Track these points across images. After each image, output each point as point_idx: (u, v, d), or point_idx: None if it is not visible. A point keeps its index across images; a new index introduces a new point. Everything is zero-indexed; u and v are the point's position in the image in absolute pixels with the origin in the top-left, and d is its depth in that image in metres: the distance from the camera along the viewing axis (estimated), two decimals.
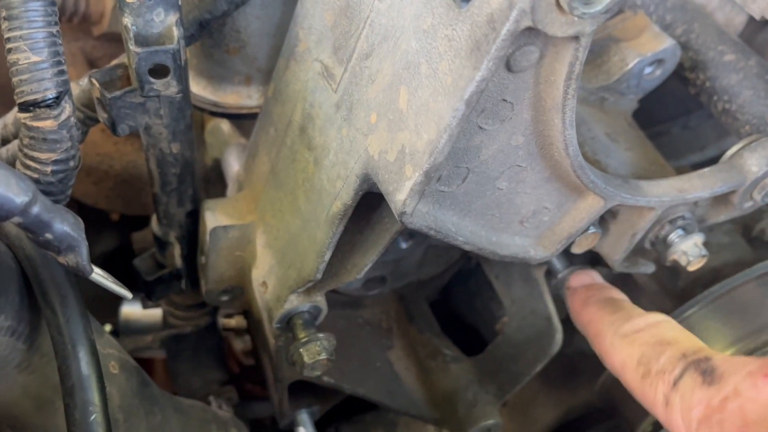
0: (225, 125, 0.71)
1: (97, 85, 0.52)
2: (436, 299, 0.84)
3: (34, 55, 0.43)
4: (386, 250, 0.56)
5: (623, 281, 0.82)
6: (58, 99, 0.45)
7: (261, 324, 0.62)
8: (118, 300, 0.85)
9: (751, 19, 0.67)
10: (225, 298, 0.65)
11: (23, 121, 0.46)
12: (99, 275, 0.42)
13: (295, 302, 0.57)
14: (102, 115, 0.53)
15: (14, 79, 0.44)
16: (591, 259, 0.68)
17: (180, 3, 0.49)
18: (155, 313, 0.78)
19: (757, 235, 0.77)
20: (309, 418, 0.72)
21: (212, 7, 0.53)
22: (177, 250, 0.65)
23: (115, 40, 0.77)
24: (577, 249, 0.56)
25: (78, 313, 0.45)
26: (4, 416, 0.51)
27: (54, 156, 0.48)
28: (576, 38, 0.35)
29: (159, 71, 0.50)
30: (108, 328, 0.84)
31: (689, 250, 0.57)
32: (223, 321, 0.83)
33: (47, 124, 0.46)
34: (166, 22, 0.49)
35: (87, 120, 0.57)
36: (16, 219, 0.35)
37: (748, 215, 0.62)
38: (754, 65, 0.63)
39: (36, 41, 0.43)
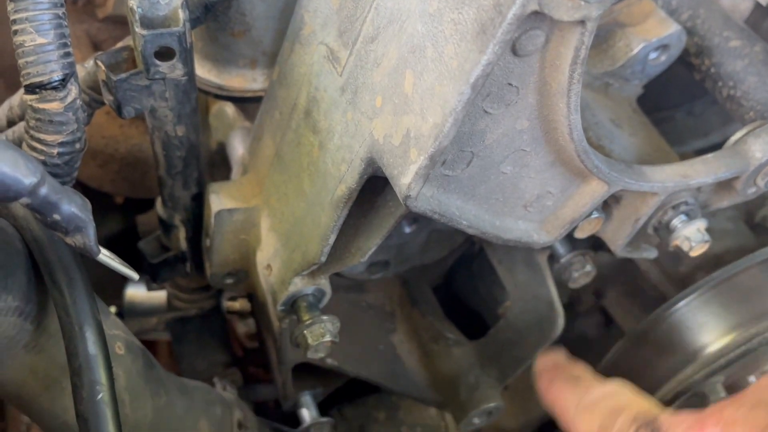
0: (229, 109, 0.71)
1: (103, 67, 0.52)
2: (439, 284, 0.85)
3: (40, 37, 0.43)
4: (390, 234, 0.56)
5: (625, 267, 0.82)
6: (64, 81, 0.46)
7: (265, 307, 0.63)
8: (123, 283, 0.85)
9: (757, 5, 0.66)
10: (229, 281, 0.66)
11: (29, 103, 0.46)
12: (106, 256, 0.43)
13: (299, 285, 0.57)
14: (107, 98, 0.53)
15: (20, 61, 0.44)
16: (593, 244, 0.69)
17: None
18: (160, 296, 0.78)
19: (760, 222, 0.77)
20: (312, 400, 0.73)
21: None
22: (182, 233, 0.66)
23: (119, 23, 0.77)
24: (581, 234, 0.57)
25: (85, 294, 0.45)
26: (12, 396, 0.51)
27: (60, 138, 0.49)
28: (582, 23, 0.35)
29: (164, 54, 0.50)
30: (113, 310, 0.84)
31: (692, 236, 0.57)
32: (227, 304, 0.84)
33: (53, 106, 0.46)
34: (171, 4, 0.49)
35: (92, 103, 0.57)
36: (25, 200, 0.35)
37: (751, 201, 0.62)
38: (760, 51, 0.63)
39: (42, 23, 0.43)
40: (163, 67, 0.50)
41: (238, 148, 0.67)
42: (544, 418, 0.85)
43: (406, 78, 0.41)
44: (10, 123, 0.58)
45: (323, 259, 0.54)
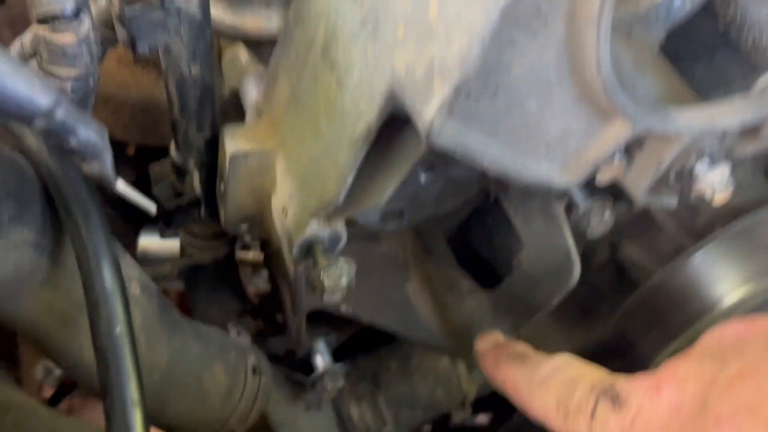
0: (243, 54, 0.70)
1: (116, 0, 0.50)
2: (452, 235, 0.84)
3: None
4: (405, 182, 0.56)
5: (641, 220, 0.82)
6: (77, 11, 0.45)
7: (280, 252, 0.62)
8: (135, 235, 0.85)
9: None
10: (244, 227, 0.65)
11: (42, 34, 0.45)
12: (123, 186, 0.42)
13: (315, 228, 0.57)
14: (121, 33, 0.52)
15: None
16: (612, 193, 0.68)
17: None
18: (173, 244, 0.78)
19: None
20: (326, 348, 0.73)
21: None
22: (196, 178, 0.65)
23: None
24: (601, 178, 0.56)
25: (101, 229, 0.45)
26: (28, 333, 0.52)
27: (73, 72, 0.48)
28: None
29: None
30: None
31: (715, 182, 0.56)
32: (239, 254, 0.83)
33: (66, 37, 0.45)
34: None
35: (104, 40, 0.56)
36: (41, 122, 0.34)
37: None
38: None
39: None
40: None
41: (252, 93, 0.66)
42: None
43: (430, 4, 0.39)
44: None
45: (340, 200, 0.53)
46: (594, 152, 0.52)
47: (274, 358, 0.86)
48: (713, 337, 0.43)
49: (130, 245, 0.82)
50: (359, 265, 0.67)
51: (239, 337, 0.68)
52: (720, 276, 0.68)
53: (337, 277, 0.56)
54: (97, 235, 0.45)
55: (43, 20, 0.44)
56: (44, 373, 1.79)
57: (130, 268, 0.54)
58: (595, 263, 0.86)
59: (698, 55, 0.90)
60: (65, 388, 1.07)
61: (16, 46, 0.59)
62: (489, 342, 0.62)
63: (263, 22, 0.60)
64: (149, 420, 0.44)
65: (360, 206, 0.56)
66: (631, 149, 0.56)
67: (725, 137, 0.57)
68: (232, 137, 0.59)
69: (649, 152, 0.55)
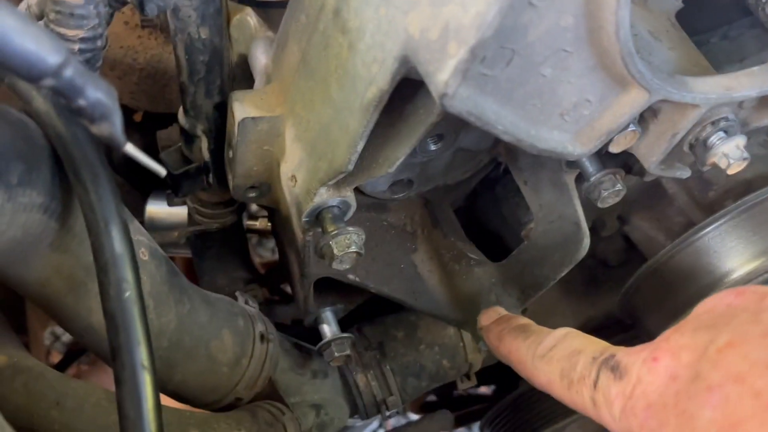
0: (251, 18, 0.69)
1: None
2: (460, 206, 0.84)
3: None
4: (414, 151, 0.55)
5: (651, 192, 0.81)
6: None
7: (289, 219, 0.62)
8: (141, 203, 0.85)
9: None
10: (252, 194, 0.65)
11: None
12: (132, 149, 0.42)
13: (324, 196, 0.56)
14: None
15: None
16: (623, 164, 0.67)
17: None
18: (180, 212, 0.78)
19: None
20: (333, 316, 0.73)
21: None
22: (204, 144, 0.64)
23: None
24: (615, 148, 0.55)
25: (110, 192, 0.45)
26: (37, 296, 0.51)
27: (81, 33, 0.47)
28: None
29: None
30: None
31: (731, 152, 0.55)
32: (247, 223, 0.83)
33: None
34: None
35: (112, 1, 0.55)
36: (49, 81, 0.34)
37: None
38: None
39: None
40: None
41: (260, 58, 0.65)
42: None
43: None
44: None
45: (350, 167, 0.52)
46: (608, 121, 0.51)
47: (280, 327, 0.86)
48: (706, 308, 0.44)
49: (138, 213, 0.82)
50: (367, 234, 0.66)
51: (247, 305, 0.68)
52: (730, 250, 0.68)
53: (345, 246, 0.55)
54: (107, 199, 0.44)
55: None
56: (52, 338, 1.80)
57: (139, 234, 0.54)
58: (603, 235, 0.85)
59: (714, 26, 0.88)
60: (73, 354, 1.08)
61: (22, 7, 0.59)
62: (492, 316, 0.64)
63: None
64: (159, 384, 0.44)
65: (370, 174, 0.55)
66: (645, 119, 0.55)
67: (741, 108, 0.56)
68: (241, 103, 0.59)
69: (664, 122, 0.54)
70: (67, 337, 1.68)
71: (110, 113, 0.37)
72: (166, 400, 0.47)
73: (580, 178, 0.66)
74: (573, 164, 0.63)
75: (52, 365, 1.13)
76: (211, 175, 0.67)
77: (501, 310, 0.65)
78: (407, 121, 0.53)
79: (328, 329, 0.72)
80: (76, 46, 0.47)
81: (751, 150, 0.73)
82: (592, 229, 0.84)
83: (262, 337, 0.66)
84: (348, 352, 0.71)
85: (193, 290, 0.61)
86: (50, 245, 0.47)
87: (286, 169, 0.60)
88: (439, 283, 0.74)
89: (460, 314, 0.73)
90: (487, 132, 0.46)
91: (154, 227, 0.81)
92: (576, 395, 0.47)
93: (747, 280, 0.68)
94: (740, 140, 0.56)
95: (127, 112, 0.85)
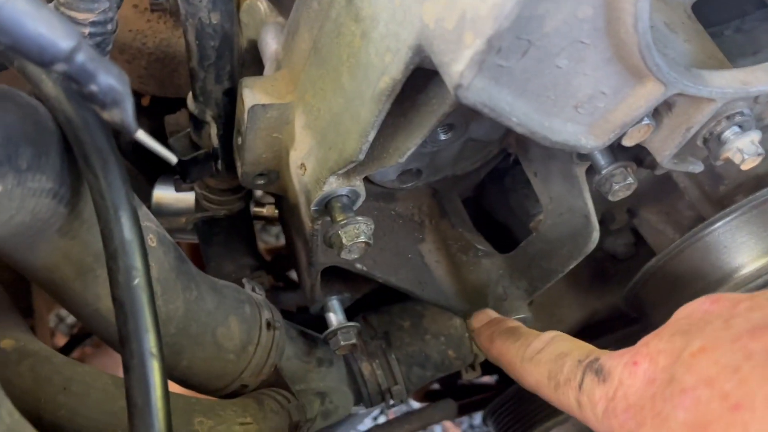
0: (262, 3, 0.68)
1: None
2: (468, 197, 0.83)
3: None
4: (424, 141, 0.54)
5: (662, 185, 0.80)
6: None
7: (297, 208, 0.61)
8: (149, 189, 0.85)
9: None
10: (261, 181, 0.64)
11: None
12: (143, 136, 0.41)
13: (334, 185, 0.56)
14: None
15: None
16: (634, 158, 0.67)
17: None
18: (188, 198, 0.77)
19: None
20: (339, 305, 0.73)
21: None
22: (213, 130, 0.64)
23: None
24: (628, 141, 0.54)
25: (120, 178, 0.44)
26: (45, 282, 0.51)
27: (92, 17, 0.47)
28: None
29: None
30: None
31: (745, 148, 0.54)
32: (254, 210, 0.83)
33: None
34: None
35: None
36: (61, 66, 0.33)
37: None
38: None
39: None
40: None
41: (271, 44, 0.65)
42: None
43: None
44: None
45: (361, 157, 0.52)
46: (622, 114, 0.50)
47: (286, 314, 0.86)
48: (684, 313, 0.46)
49: (145, 197, 0.82)
50: (375, 223, 0.66)
51: (254, 292, 0.68)
52: (741, 246, 0.67)
53: (355, 235, 0.55)
54: (116, 185, 0.44)
55: None
56: (56, 320, 1.81)
57: (147, 221, 0.53)
58: (612, 228, 0.85)
59: (728, 18, 0.87)
60: (78, 338, 1.09)
61: None
62: (483, 319, 0.65)
63: None
64: (167, 371, 0.44)
65: (381, 163, 0.55)
66: (659, 112, 0.54)
67: (757, 103, 0.56)
68: (251, 89, 0.58)
69: (679, 116, 0.54)
70: (71, 319, 1.69)
71: (122, 99, 0.36)
72: (172, 386, 0.47)
73: (591, 171, 0.66)
74: (584, 156, 0.63)
75: (57, 348, 1.13)
76: (219, 162, 0.67)
77: (492, 313, 0.67)
78: (419, 110, 0.52)
79: (335, 318, 0.72)
80: (87, 30, 0.47)
81: (765, 145, 0.73)
82: (601, 222, 0.84)
83: (268, 324, 0.66)
84: (354, 341, 0.71)
85: (201, 277, 0.61)
86: (59, 231, 0.47)
87: (295, 157, 0.60)
88: (446, 274, 0.74)
89: (466, 305, 0.73)
90: (499, 123, 0.46)
91: (161, 212, 0.81)
92: (562, 396, 0.49)
93: (757, 276, 0.68)
94: (755, 135, 0.55)
95: (135, 96, 0.85)
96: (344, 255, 0.56)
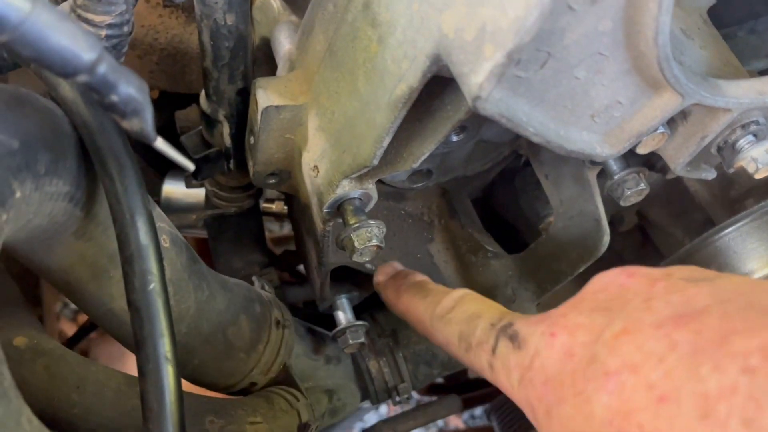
0: (275, 1, 0.68)
1: None
2: (477, 197, 0.83)
3: None
4: None
5: (672, 188, 0.80)
6: None
7: (308, 208, 0.62)
8: (158, 183, 0.85)
9: None
10: (272, 181, 0.64)
11: None
12: (162, 143, 0.41)
13: (347, 188, 0.56)
14: None
15: None
16: (646, 162, 0.66)
17: None
18: (197, 193, 0.78)
19: None
20: (348, 304, 0.73)
21: None
22: (225, 129, 0.64)
23: None
24: (643, 149, 0.54)
25: (136, 183, 0.44)
26: (60, 283, 0.52)
27: (108, 19, 0.46)
28: None
29: None
30: None
31: (759, 157, 0.54)
32: (263, 206, 0.83)
33: None
34: None
35: None
36: (83, 77, 0.33)
37: None
38: None
39: None
40: None
41: (284, 43, 0.64)
42: None
43: None
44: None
45: (375, 162, 0.52)
46: (638, 124, 0.50)
47: (293, 310, 0.87)
48: (600, 284, 0.44)
49: (155, 192, 0.82)
50: (384, 222, 0.66)
51: (263, 291, 0.68)
52: (751, 252, 0.67)
53: (366, 239, 0.55)
54: (132, 189, 0.44)
55: None
56: (61, 306, 1.82)
57: (161, 221, 0.53)
58: (621, 230, 0.85)
59: (741, 20, 0.87)
60: (85, 330, 1.09)
61: None
62: (388, 271, 0.64)
63: None
64: (180, 374, 0.45)
65: (394, 168, 0.55)
66: (675, 121, 0.54)
67: None
68: (265, 90, 0.58)
69: (694, 125, 0.54)
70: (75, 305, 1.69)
71: (142, 109, 0.36)
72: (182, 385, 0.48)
73: (602, 174, 0.66)
74: (597, 161, 0.63)
75: (64, 337, 1.14)
76: (231, 160, 0.67)
77: (397, 265, 0.65)
78: (434, 117, 0.52)
79: (343, 316, 0.72)
80: (103, 32, 0.47)
81: None
82: (610, 224, 0.84)
83: (278, 323, 0.66)
84: (363, 340, 0.71)
85: (212, 276, 0.61)
86: (74, 233, 0.47)
87: (308, 159, 0.60)
88: (454, 274, 0.74)
89: None
90: None
91: (170, 207, 0.81)
92: (474, 358, 0.48)
93: None
94: None
95: None
96: (356, 258, 0.57)
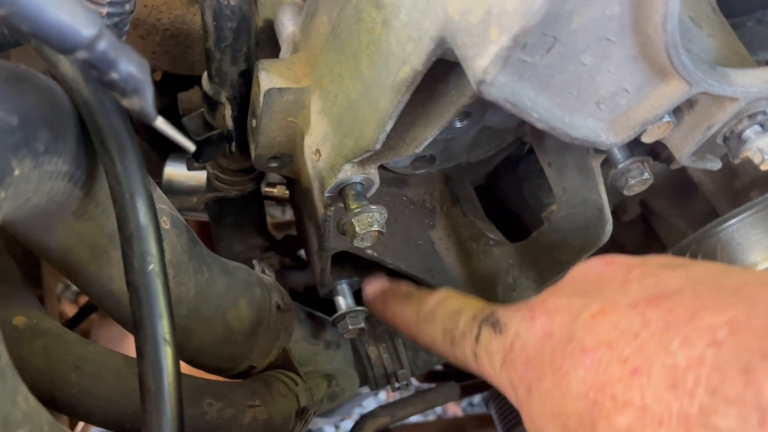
0: None
1: None
2: (479, 185, 0.83)
3: None
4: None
5: (676, 178, 0.80)
6: None
7: (310, 192, 0.61)
8: (160, 165, 0.84)
9: None
10: (274, 164, 0.64)
11: None
12: (162, 124, 0.41)
13: (349, 172, 0.55)
14: None
15: None
16: (650, 151, 0.66)
17: None
18: (199, 175, 0.77)
19: None
20: (348, 289, 0.73)
21: None
22: (228, 111, 0.63)
23: None
24: (647, 138, 0.54)
25: (136, 163, 0.44)
26: (60, 262, 0.51)
27: None
28: None
29: None
30: None
31: (766, 147, 0.54)
32: (265, 190, 0.83)
33: None
34: None
35: None
36: (82, 53, 0.33)
37: None
38: None
39: None
40: None
41: (287, 25, 0.64)
42: None
43: None
44: None
45: (378, 146, 0.51)
46: (644, 112, 0.49)
47: (293, 294, 0.87)
48: (579, 273, 0.46)
49: (156, 174, 0.81)
50: (386, 209, 0.66)
51: (264, 274, 0.68)
52: (755, 244, 0.67)
53: (368, 224, 0.55)
54: (132, 170, 0.44)
55: None
56: (62, 287, 1.82)
57: (161, 203, 0.53)
58: (624, 219, 0.85)
59: (750, 10, 0.86)
60: (85, 311, 1.09)
61: None
62: (376, 286, 0.66)
63: None
64: (179, 356, 0.44)
65: (397, 153, 0.54)
66: (681, 109, 0.54)
67: None
68: (268, 72, 0.57)
69: (701, 114, 0.53)
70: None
71: (142, 87, 0.36)
72: (181, 367, 0.48)
73: (606, 163, 0.65)
74: (601, 150, 0.62)
75: (65, 318, 1.14)
76: (233, 143, 0.66)
77: (384, 281, 0.66)
78: (437, 101, 0.51)
79: (343, 302, 0.72)
80: (104, 10, 0.46)
81: None
82: (613, 213, 0.83)
83: (278, 307, 0.66)
84: (362, 325, 0.71)
85: (212, 259, 0.61)
86: (74, 213, 0.46)
87: (310, 142, 0.59)
88: (456, 261, 0.74)
89: (476, 294, 0.72)
90: None
91: (171, 189, 0.81)
92: (458, 351, 0.49)
93: None
94: None
95: None
96: (357, 243, 0.56)
